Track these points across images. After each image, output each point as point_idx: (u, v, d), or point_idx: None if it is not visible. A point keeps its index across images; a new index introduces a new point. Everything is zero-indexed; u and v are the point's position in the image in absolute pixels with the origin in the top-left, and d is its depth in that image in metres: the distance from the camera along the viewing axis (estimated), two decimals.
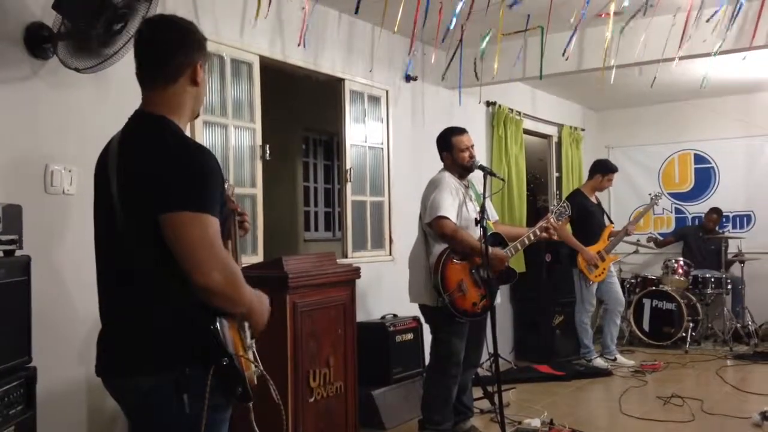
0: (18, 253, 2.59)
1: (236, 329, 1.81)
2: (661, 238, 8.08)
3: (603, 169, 6.42)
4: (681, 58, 5.10)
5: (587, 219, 6.21)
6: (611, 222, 6.55)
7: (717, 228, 7.91)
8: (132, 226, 1.73)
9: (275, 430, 2.06)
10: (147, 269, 1.74)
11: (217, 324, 1.72)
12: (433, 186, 3.97)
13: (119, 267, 1.79)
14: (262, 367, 1.85)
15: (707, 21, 4.79)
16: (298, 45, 4.45)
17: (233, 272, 1.73)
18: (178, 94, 1.84)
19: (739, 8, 4.66)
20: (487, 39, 5.04)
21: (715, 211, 7.89)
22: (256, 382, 1.83)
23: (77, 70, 3.03)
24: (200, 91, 1.90)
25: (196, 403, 1.70)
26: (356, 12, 4.33)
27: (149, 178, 1.71)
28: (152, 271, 1.73)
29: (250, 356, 1.84)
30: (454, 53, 5.45)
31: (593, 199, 6.42)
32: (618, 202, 8.51)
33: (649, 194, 6.75)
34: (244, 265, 3.71)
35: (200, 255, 1.67)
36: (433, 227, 3.85)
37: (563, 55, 5.22)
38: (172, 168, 1.71)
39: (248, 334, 1.86)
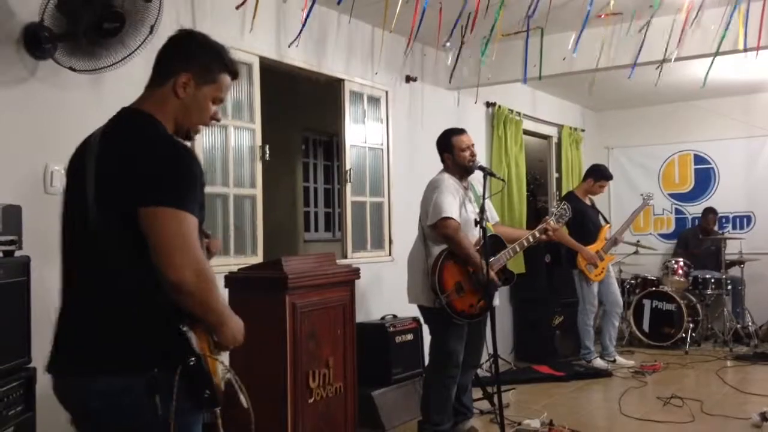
0: (17, 253, 2.60)
1: (204, 332, 1.77)
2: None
3: (596, 175, 6.44)
4: (677, 59, 5.11)
5: (582, 220, 6.20)
6: (607, 222, 6.55)
7: (716, 228, 7.93)
8: (106, 223, 1.71)
9: None
10: (119, 267, 1.72)
11: (186, 325, 1.70)
12: (433, 188, 3.96)
13: (89, 265, 1.76)
14: (231, 371, 1.82)
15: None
16: (294, 46, 4.43)
17: (208, 274, 1.70)
18: (162, 96, 1.84)
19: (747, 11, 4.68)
20: (488, 43, 5.03)
21: (711, 211, 7.94)
22: (223, 388, 1.80)
23: (72, 69, 3.03)
24: (188, 107, 1.85)
25: (165, 405, 1.67)
26: (339, 3, 4.29)
27: (131, 171, 1.69)
28: (124, 270, 1.71)
29: (219, 359, 1.80)
30: (459, 55, 5.42)
31: (587, 201, 6.43)
32: (618, 203, 8.50)
33: (641, 195, 6.75)
34: (243, 266, 3.74)
35: (175, 251, 1.64)
36: (437, 228, 3.85)
37: (569, 55, 5.22)
38: (156, 163, 1.70)
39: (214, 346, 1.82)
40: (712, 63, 5.09)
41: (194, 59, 1.85)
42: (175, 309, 1.69)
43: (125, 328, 1.70)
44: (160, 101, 1.83)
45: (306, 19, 4.31)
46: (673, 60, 5.07)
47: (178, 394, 1.67)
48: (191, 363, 1.68)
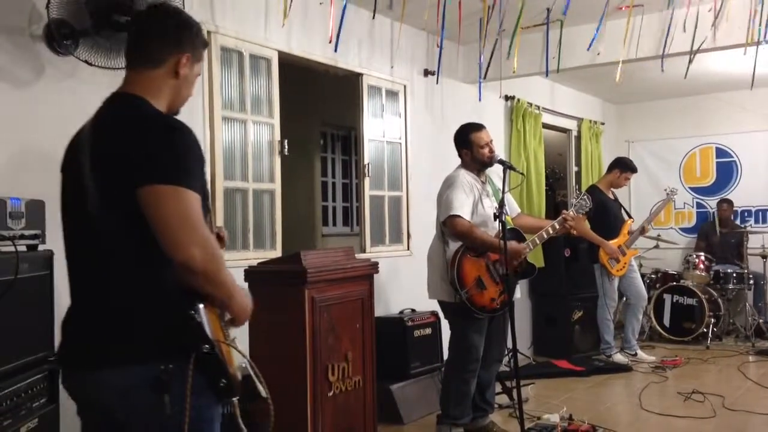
0: (41, 247, 2.62)
1: (216, 316, 1.73)
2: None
3: (622, 167, 6.38)
4: (708, 50, 5.03)
5: (605, 214, 6.16)
6: (630, 217, 6.50)
7: (733, 218, 7.85)
8: (106, 209, 1.67)
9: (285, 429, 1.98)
10: (124, 258, 1.68)
11: (196, 310, 1.66)
12: (447, 184, 3.95)
13: (93, 255, 1.72)
14: (248, 358, 1.77)
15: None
16: (330, 42, 4.44)
17: (214, 250, 1.66)
18: (157, 80, 1.80)
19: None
20: (514, 36, 5.00)
21: (725, 200, 7.90)
22: (240, 378, 1.74)
23: (87, 63, 3.06)
24: (181, 85, 1.84)
25: (177, 401, 1.62)
26: None
27: (127, 153, 1.65)
28: (129, 260, 1.68)
29: (235, 346, 1.75)
30: (494, 49, 5.38)
31: (610, 195, 6.38)
32: (638, 197, 8.44)
33: (665, 189, 6.69)
34: (263, 260, 3.75)
35: (179, 229, 1.60)
36: (447, 226, 3.85)
37: (589, 48, 5.17)
38: (150, 141, 1.66)
39: (228, 327, 1.78)
40: (748, 50, 4.94)
41: (186, 39, 1.82)
42: (185, 294, 1.65)
43: (134, 320, 1.67)
44: (152, 83, 1.79)
45: (341, 21, 4.32)
46: (713, 51, 4.97)
47: (193, 386, 1.63)
48: (205, 350, 1.64)
